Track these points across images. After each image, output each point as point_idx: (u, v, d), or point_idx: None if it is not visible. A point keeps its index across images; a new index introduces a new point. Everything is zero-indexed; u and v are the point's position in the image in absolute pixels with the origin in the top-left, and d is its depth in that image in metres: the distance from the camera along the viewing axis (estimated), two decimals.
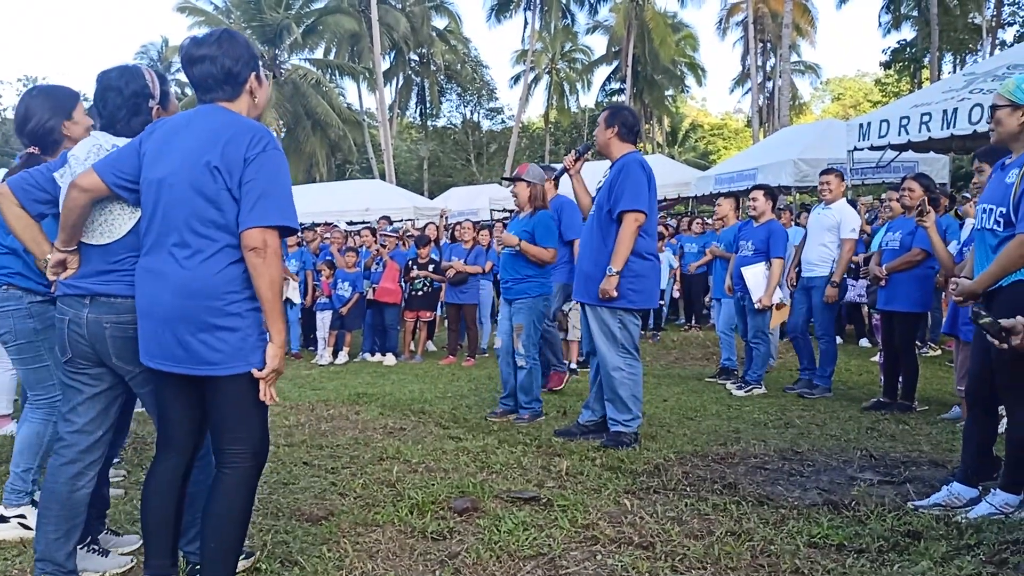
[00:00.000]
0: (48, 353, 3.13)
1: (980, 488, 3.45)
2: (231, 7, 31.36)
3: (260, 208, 2.24)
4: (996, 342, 2.79)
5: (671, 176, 18.95)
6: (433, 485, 3.76)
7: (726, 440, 4.82)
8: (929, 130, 10.44)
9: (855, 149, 11.91)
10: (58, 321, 2.52)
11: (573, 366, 8.09)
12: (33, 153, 3.15)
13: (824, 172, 6.95)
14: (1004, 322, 2.80)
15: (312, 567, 2.79)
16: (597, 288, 4.61)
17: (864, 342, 9.66)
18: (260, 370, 2.29)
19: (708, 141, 50.31)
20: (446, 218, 13.59)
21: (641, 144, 36.55)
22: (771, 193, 7.08)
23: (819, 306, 6.57)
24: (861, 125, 11.65)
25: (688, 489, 3.74)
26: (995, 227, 3.28)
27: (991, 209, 3.32)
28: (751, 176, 15.16)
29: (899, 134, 10.89)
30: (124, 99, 2.57)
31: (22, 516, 3.15)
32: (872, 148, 11.63)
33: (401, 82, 36.36)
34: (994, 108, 3.37)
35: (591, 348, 4.95)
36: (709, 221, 11.88)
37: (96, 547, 2.84)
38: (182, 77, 38.13)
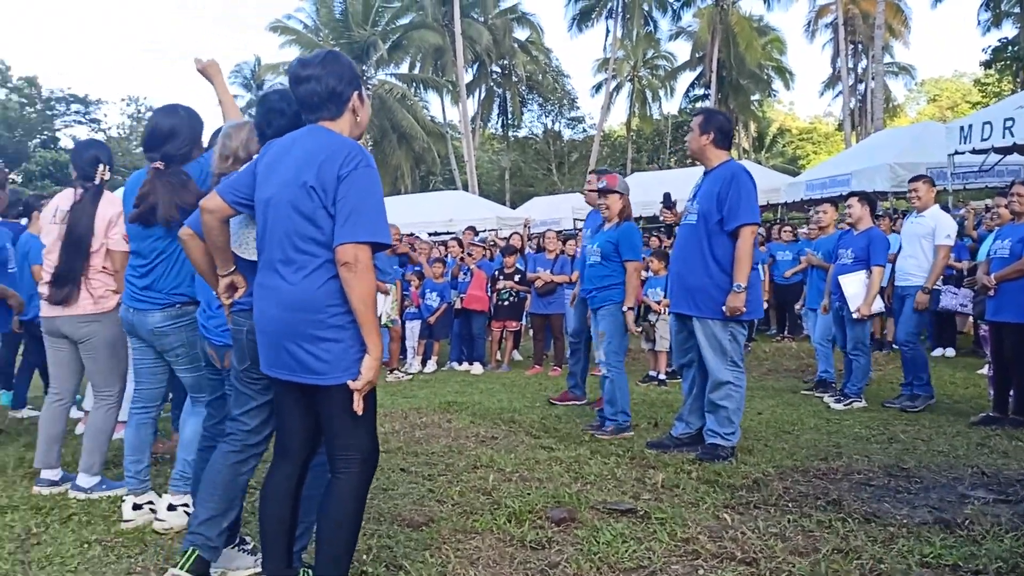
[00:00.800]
0: (203, 356, 3.36)
1: None
2: (320, 25, 32.36)
3: (351, 224, 2.29)
4: None
5: (760, 182, 18.19)
6: (528, 494, 3.77)
7: (827, 455, 4.67)
8: None
9: (956, 153, 11.42)
10: (235, 333, 2.67)
11: (662, 376, 8.00)
12: (159, 168, 3.34)
13: (913, 179, 6.71)
14: None
15: (416, 572, 2.84)
16: (705, 300, 4.54)
17: (950, 351, 9.24)
18: (355, 381, 2.35)
19: (796, 146, 49.01)
20: (529, 228, 13.65)
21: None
22: (867, 199, 6.85)
23: (908, 313, 6.33)
24: (962, 128, 11.16)
25: (790, 505, 3.64)
26: None
27: None
28: (844, 182, 14.69)
29: (1003, 136, 10.39)
30: (288, 120, 2.67)
31: (186, 504, 3.34)
32: (974, 151, 11.13)
33: (483, 94, 36.75)
34: None
35: (684, 361, 4.87)
36: (804, 229, 11.50)
37: (245, 546, 2.96)
38: None
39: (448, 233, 20.98)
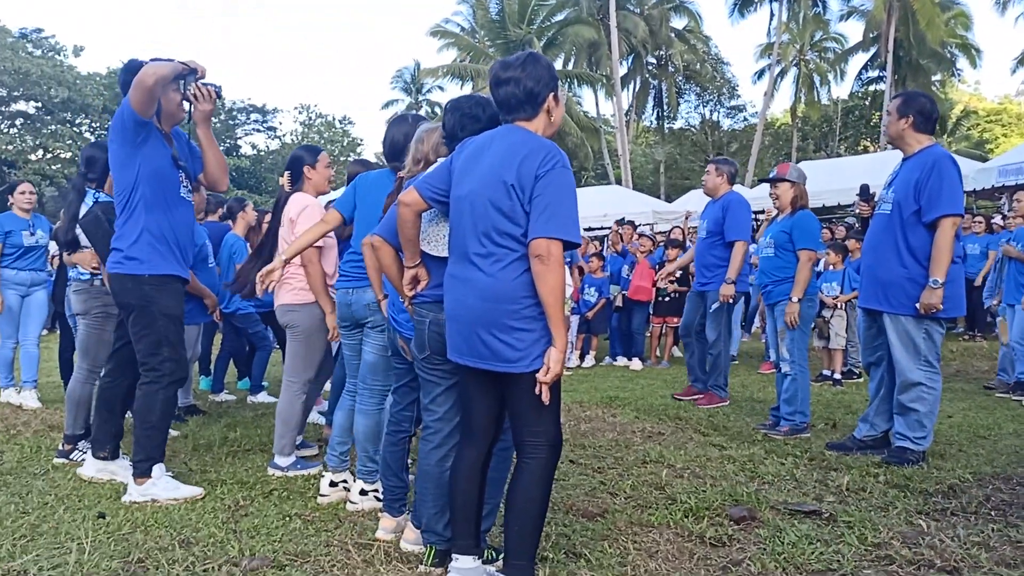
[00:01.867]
0: (390, 344, 3.54)
1: None
2: (477, 27, 33.09)
3: (546, 220, 2.37)
4: None
5: None
6: (704, 491, 3.70)
7: None
8: None
9: None
10: (417, 324, 2.83)
11: (837, 376, 7.61)
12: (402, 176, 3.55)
13: None
14: None
15: (596, 560, 2.86)
16: (898, 295, 4.28)
17: None
18: (539, 371, 2.40)
19: (983, 128, 45.04)
20: (689, 220, 13.36)
21: None
22: None
23: None
24: None
25: (992, 513, 3.37)
26: None
27: None
28: None
29: None
30: (482, 125, 2.80)
31: (376, 490, 3.56)
32: None
33: (638, 86, 36.24)
34: None
35: (873, 360, 4.60)
36: (997, 219, 10.54)
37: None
38: (432, 97, 40.92)
39: (603, 228, 20.94)
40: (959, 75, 36.29)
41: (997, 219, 11.14)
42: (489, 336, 2.44)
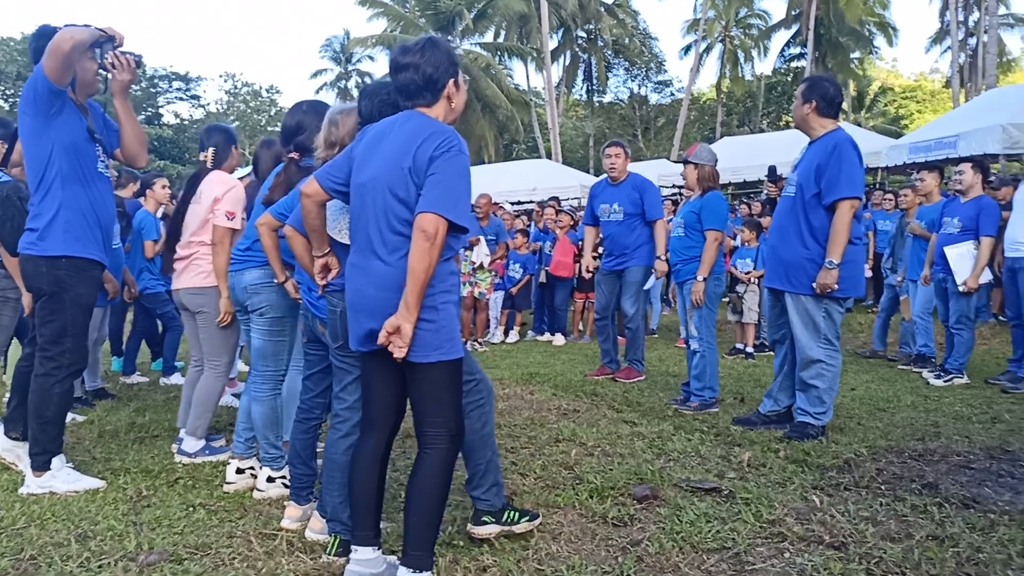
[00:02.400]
0: (290, 331, 3.56)
1: None
2: None
3: (435, 196, 2.32)
4: None
5: (859, 145, 17.75)
6: (611, 470, 3.77)
7: (924, 435, 4.49)
8: None
9: None
10: (330, 312, 2.79)
11: (749, 349, 7.83)
12: (293, 158, 3.47)
13: None
14: None
15: (500, 545, 2.89)
16: (799, 275, 4.41)
17: None
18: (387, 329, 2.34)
19: (899, 105, 46.65)
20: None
21: None
22: (980, 165, 6.48)
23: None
24: None
25: (883, 487, 3.53)
26: None
27: None
28: (951, 144, 13.88)
29: None
30: (400, 111, 2.69)
31: (284, 477, 3.53)
32: None
33: (568, 60, 36.29)
34: None
35: (777, 337, 4.75)
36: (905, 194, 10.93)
37: None
38: (363, 67, 40.09)
39: (531, 202, 20.96)
40: (877, 53, 37.41)
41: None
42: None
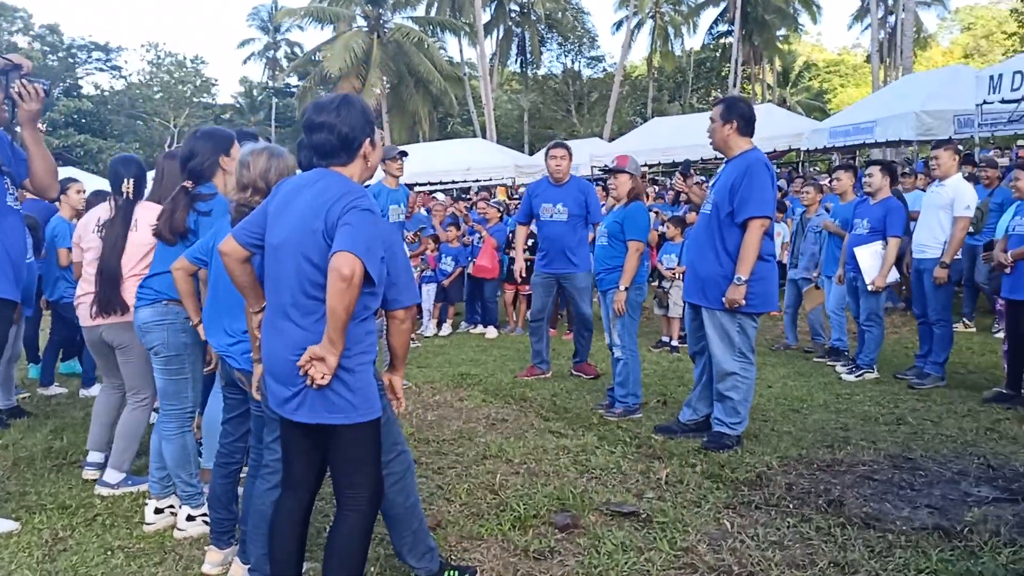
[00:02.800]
0: (191, 367, 3.51)
1: None
2: None
3: (350, 239, 2.28)
4: None
5: (782, 127, 18.22)
6: (535, 493, 3.85)
7: (833, 441, 4.71)
8: None
9: (984, 103, 11.13)
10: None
11: (674, 343, 8.04)
12: (186, 187, 3.40)
13: (935, 147, 6.57)
14: None
15: None
16: (715, 292, 4.54)
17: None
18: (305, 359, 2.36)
19: (823, 79, 47.80)
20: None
21: (749, 86, 34.98)
22: (888, 169, 6.73)
23: (931, 289, 6.25)
24: (992, 77, 10.85)
25: (791, 505, 3.70)
26: None
27: None
28: (868, 130, 14.39)
29: None
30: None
31: (204, 515, 3.47)
32: (1004, 102, 10.83)
33: (501, 34, 36.02)
34: None
35: (697, 349, 4.89)
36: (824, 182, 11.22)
37: None
38: (292, 37, 39.07)
39: (466, 182, 20.89)
40: (802, 29, 38.16)
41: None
42: (298, 388, 2.40)
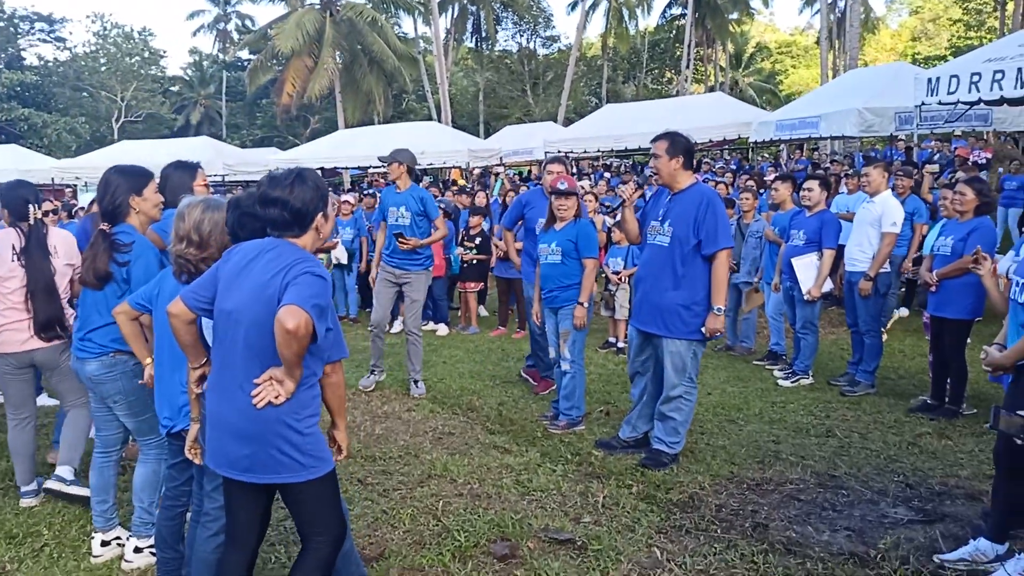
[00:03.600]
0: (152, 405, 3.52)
1: (1007, 545, 3.53)
2: None
3: (296, 294, 2.39)
4: (1020, 440, 2.84)
5: (731, 116, 18.50)
6: (476, 520, 3.99)
7: (764, 457, 4.94)
8: (1002, 88, 9.96)
9: (923, 104, 11.48)
10: (205, 416, 2.78)
11: (620, 345, 8.23)
12: (103, 230, 3.42)
13: (865, 164, 6.83)
14: None
15: None
16: (674, 320, 4.70)
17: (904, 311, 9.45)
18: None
19: (776, 60, 48.41)
20: (505, 173, 13.56)
21: (703, 68, 35.08)
22: (825, 183, 6.98)
23: (860, 301, 6.53)
24: (930, 80, 11.14)
25: (719, 530, 3.91)
26: None
27: None
28: (813, 124, 14.73)
29: (969, 91, 10.42)
30: (261, 223, 2.71)
31: (151, 547, 3.52)
32: (941, 104, 11.19)
33: (456, 12, 35.70)
34: None
35: (640, 370, 5.03)
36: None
37: None
38: (243, 9, 38.13)
39: (419, 166, 20.78)
40: (754, 12, 38.52)
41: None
42: (257, 451, 2.51)
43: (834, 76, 26.09)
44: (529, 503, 4.26)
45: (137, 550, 3.60)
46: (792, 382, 6.83)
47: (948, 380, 5.88)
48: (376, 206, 10.65)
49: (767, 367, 7.44)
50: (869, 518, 4.08)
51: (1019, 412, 2.86)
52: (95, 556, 3.67)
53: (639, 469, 4.72)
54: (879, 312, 6.64)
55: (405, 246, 6.48)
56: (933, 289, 5.80)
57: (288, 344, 2.35)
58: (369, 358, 7.04)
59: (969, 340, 5.89)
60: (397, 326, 9.65)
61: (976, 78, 10.36)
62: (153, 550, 3.54)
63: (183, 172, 3.89)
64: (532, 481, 4.55)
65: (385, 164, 6.79)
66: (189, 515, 3.24)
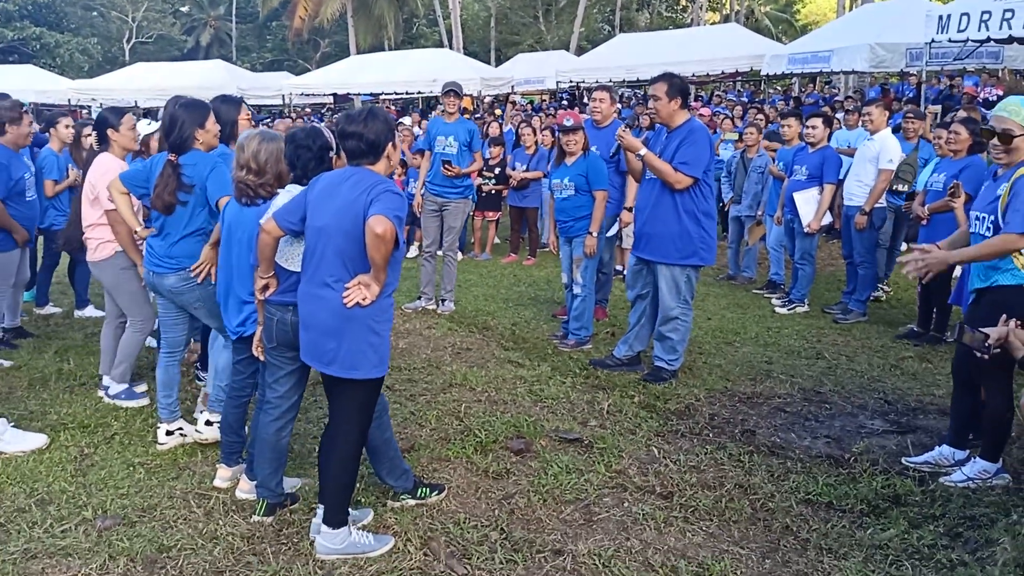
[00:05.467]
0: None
1: (968, 451, 3.99)
2: None
3: (383, 206, 2.87)
4: (980, 354, 3.25)
5: (746, 48, 18.47)
6: (495, 421, 4.48)
7: (756, 375, 5.40)
8: (1011, 27, 10.16)
9: (933, 41, 11.60)
10: (266, 319, 3.30)
11: (626, 272, 8.63)
12: (172, 160, 3.83)
13: (867, 103, 7.11)
14: (990, 331, 3.24)
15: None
16: (669, 247, 5.09)
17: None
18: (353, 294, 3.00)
19: None
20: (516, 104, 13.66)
21: None
22: (827, 120, 7.27)
23: (856, 233, 6.90)
24: (941, 17, 11.27)
25: (711, 434, 4.39)
26: (986, 233, 3.68)
27: (983, 217, 3.73)
28: (825, 59, 14.81)
29: (979, 29, 10.59)
30: (313, 154, 3.28)
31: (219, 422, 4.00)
32: (951, 41, 11.31)
33: None
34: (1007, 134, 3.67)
35: (641, 293, 5.44)
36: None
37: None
38: None
39: (432, 93, 20.87)
40: None
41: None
42: (347, 348, 3.00)
43: (851, 6, 25.72)
44: (541, 409, 4.74)
45: (208, 423, 4.13)
46: (788, 309, 7.25)
47: (934, 309, 6.30)
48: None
49: (766, 295, 7.85)
50: (848, 428, 4.55)
51: (981, 330, 3.25)
52: (160, 444, 4.16)
53: (641, 383, 5.19)
54: (873, 244, 7.02)
55: (450, 173, 6.88)
56: (924, 223, 6.16)
57: (377, 247, 2.85)
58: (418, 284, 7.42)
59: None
60: (413, 251, 10.08)
61: (986, 16, 10.49)
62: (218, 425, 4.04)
63: (230, 106, 4.37)
64: (544, 391, 5.02)
65: (442, 95, 7.08)
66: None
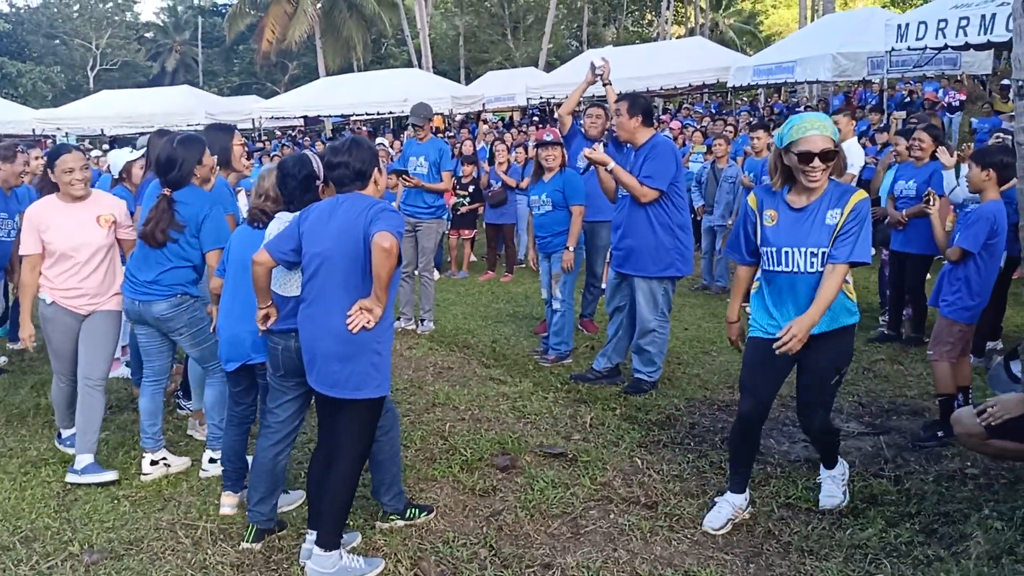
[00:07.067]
0: (208, 331, 4.08)
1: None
2: None
3: (386, 223, 2.96)
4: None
5: (712, 61, 18.79)
6: (479, 439, 4.51)
7: (734, 383, 5.46)
8: (966, 35, 10.45)
9: (892, 50, 11.91)
10: (271, 348, 3.35)
11: (603, 286, 8.72)
12: (166, 195, 3.85)
13: (834, 112, 7.29)
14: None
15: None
16: (646, 261, 5.18)
17: None
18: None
19: (755, 1, 48.11)
20: (488, 121, 13.83)
21: (683, 9, 34.84)
22: None
23: None
24: (899, 26, 11.59)
25: (692, 443, 4.46)
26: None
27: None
28: (789, 69, 15.11)
29: (936, 37, 10.89)
30: (299, 182, 3.35)
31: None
32: (910, 49, 11.63)
33: None
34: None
35: (618, 305, 5.52)
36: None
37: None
38: None
39: (403, 113, 20.94)
40: None
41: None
42: (353, 370, 3.06)
43: (812, 17, 26.24)
44: (525, 425, 4.79)
45: (212, 460, 4.13)
46: None
47: (904, 313, 6.44)
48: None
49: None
50: None
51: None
52: (145, 474, 4.15)
53: (622, 395, 5.25)
54: None
55: (408, 184, 6.96)
56: (901, 228, 6.28)
57: (383, 263, 2.91)
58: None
59: (928, 276, 6.42)
60: None
61: (943, 24, 10.80)
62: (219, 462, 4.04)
63: (223, 133, 4.47)
64: (527, 407, 5.07)
65: (418, 125, 7.26)
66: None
